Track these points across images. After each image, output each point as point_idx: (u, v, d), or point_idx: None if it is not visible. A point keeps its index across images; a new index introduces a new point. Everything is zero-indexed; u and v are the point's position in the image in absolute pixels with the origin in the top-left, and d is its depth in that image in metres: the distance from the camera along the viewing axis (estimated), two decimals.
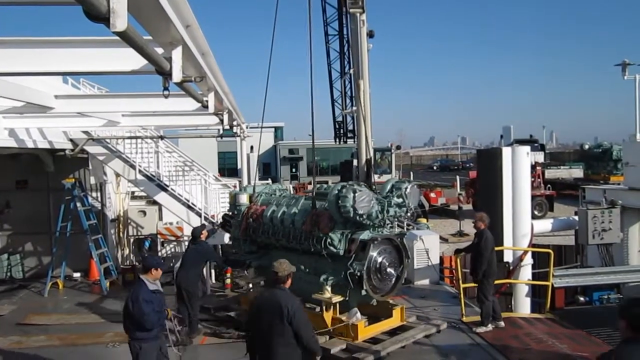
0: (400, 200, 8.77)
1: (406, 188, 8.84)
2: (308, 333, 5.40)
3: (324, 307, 8.48)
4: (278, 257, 9.69)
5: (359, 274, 8.14)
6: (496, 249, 9.34)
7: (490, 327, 9.09)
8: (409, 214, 9.21)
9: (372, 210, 8.33)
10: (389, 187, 9.00)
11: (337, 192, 8.37)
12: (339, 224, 8.46)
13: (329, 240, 8.41)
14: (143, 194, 15.91)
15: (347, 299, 8.47)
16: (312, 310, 8.55)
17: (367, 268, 8.21)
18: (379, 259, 8.37)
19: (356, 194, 8.16)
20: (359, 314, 8.46)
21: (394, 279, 8.66)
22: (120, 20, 2.89)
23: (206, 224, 11.95)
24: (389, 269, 8.44)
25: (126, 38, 3.38)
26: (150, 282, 6.51)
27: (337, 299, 8.49)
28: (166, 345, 6.84)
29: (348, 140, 28.36)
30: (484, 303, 9.11)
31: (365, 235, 8.39)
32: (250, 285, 10.99)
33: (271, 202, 10.15)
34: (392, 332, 8.76)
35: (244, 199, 10.59)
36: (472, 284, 10.91)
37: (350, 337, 8.34)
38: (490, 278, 9.11)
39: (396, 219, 9.09)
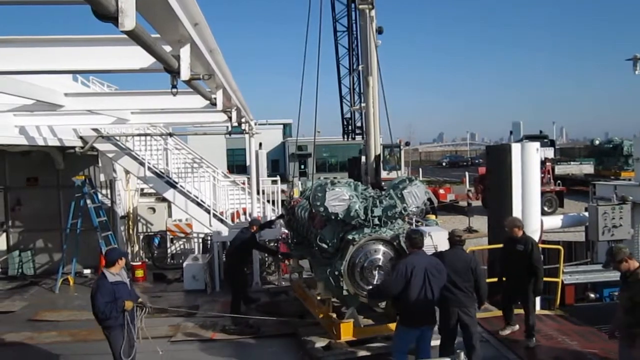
0: (392, 201, 8.21)
1: (403, 188, 8.30)
2: (483, 282, 7.52)
3: (315, 302, 8.55)
4: None
5: (337, 272, 8.05)
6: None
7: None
8: (405, 215, 8.67)
9: (351, 209, 7.98)
10: (392, 185, 8.70)
11: (313, 191, 8.35)
12: (332, 222, 8.32)
13: (320, 236, 8.41)
14: (152, 191, 16.00)
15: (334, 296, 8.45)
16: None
17: (349, 268, 8.03)
18: (365, 260, 8.06)
19: (327, 194, 7.99)
20: (354, 314, 8.33)
21: None
22: (129, 19, 2.90)
23: (258, 219, 12.24)
24: (375, 271, 8.06)
25: (134, 37, 3.39)
26: (111, 274, 6.95)
27: (323, 296, 8.54)
28: (134, 337, 7.08)
29: (356, 136, 28.34)
30: (532, 314, 8.45)
31: (355, 234, 8.10)
32: (296, 275, 11.25)
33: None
34: None
35: (294, 193, 11.00)
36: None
37: (335, 336, 8.32)
38: None
39: (389, 220, 8.37)
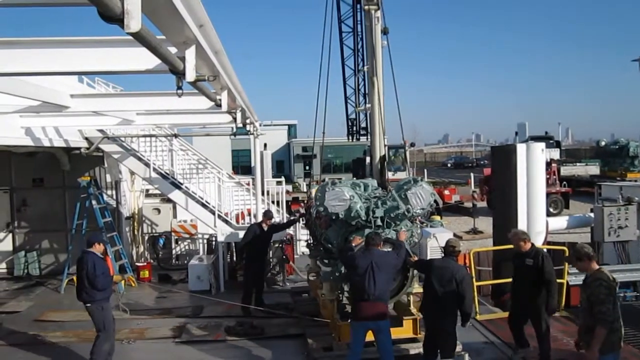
0: (395, 202, 8.09)
1: (407, 189, 8.15)
2: (469, 297, 7.15)
3: (320, 303, 8.52)
4: None
5: (337, 273, 8.05)
6: (510, 247, 8.65)
7: None
8: (409, 216, 8.48)
9: (352, 210, 7.92)
10: (396, 186, 8.62)
11: (316, 190, 8.35)
12: (336, 222, 8.27)
13: (325, 236, 8.40)
14: (157, 191, 16.03)
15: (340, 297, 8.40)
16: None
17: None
18: None
19: (326, 193, 7.96)
20: None
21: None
22: (134, 21, 2.91)
23: (271, 212, 12.08)
24: None
25: (140, 38, 3.40)
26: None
27: (327, 296, 8.50)
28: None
29: (361, 137, 28.33)
30: (546, 339, 7.80)
31: (356, 235, 8.00)
32: (312, 276, 11.09)
33: None
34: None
35: (313, 193, 10.97)
36: (486, 282, 10.86)
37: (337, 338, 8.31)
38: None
39: (393, 222, 8.22)
